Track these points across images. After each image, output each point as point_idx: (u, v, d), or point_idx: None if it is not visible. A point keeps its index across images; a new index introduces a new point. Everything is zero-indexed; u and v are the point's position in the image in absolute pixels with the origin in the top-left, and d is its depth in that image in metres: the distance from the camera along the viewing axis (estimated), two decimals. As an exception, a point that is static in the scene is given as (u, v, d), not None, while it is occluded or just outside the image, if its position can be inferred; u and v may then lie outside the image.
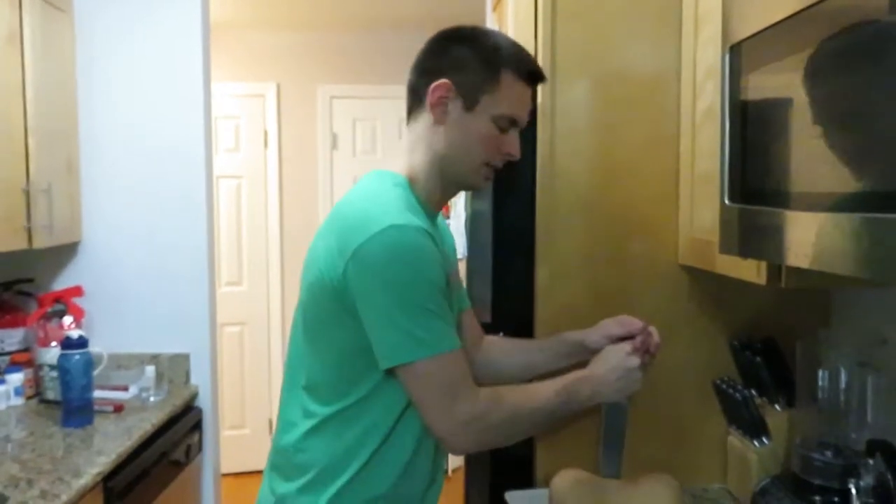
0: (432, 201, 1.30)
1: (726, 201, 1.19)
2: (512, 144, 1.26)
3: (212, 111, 2.76)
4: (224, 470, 2.92)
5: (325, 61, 4.31)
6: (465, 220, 1.73)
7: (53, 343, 2.34)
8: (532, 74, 1.27)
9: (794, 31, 0.98)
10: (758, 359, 1.50)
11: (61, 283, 2.59)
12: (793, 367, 1.49)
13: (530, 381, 1.38)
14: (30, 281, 2.56)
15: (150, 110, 2.60)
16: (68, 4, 2.49)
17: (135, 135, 2.60)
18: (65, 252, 2.59)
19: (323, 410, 1.24)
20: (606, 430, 1.47)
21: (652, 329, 1.35)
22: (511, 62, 1.23)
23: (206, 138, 2.66)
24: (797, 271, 1.16)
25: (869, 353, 1.38)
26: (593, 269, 1.63)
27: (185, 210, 2.63)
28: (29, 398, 2.40)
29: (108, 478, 1.90)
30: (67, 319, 2.41)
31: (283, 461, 1.29)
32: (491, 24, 2.76)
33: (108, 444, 2.01)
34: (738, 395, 1.48)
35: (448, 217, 2.50)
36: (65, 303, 2.47)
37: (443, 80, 1.23)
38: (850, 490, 1.21)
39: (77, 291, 2.53)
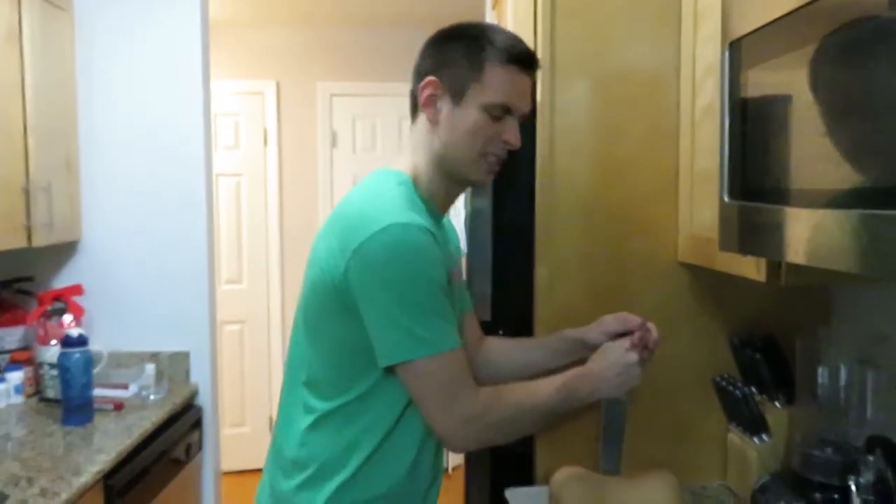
0: (437, 201, 1.30)
1: (726, 198, 1.19)
2: (509, 132, 1.24)
3: (211, 109, 2.76)
4: (224, 468, 2.92)
5: (324, 59, 4.31)
6: (465, 218, 1.72)
7: (53, 341, 2.34)
8: (519, 57, 1.23)
9: (793, 27, 0.98)
10: (758, 356, 1.50)
11: (61, 282, 2.59)
12: (793, 364, 1.49)
13: (530, 379, 1.38)
14: (29, 279, 2.56)
15: (149, 108, 2.60)
16: (68, 3, 2.49)
17: (134, 133, 2.60)
18: (64, 250, 2.59)
19: (323, 406, 1.24)
20: (606, 427, 1.47)
21: (650, 325, 1.35)
22: (495, 48, 1.22)
23: (206, 136, 2.66)
24: (797, 268, 1.16)
25: (869, 351, 1.38)
26: (593, 267, 1.63)
27: (185, 208, 2.63)
28: (29, 396, 2.40)
29: (109, 476, 1.91)
30: (67, 318, 2.41)
31: (282, 457, 1.29)
32: (490, 21, 2.76)
33: (108, 443, 2.01)
34: (738, 392, 1.48)
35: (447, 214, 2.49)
36: (65, 301, 2.48)
37: (430, 78, 1.24)
38: (849, 487, 1.21)
39: (77, 290, 2.53)
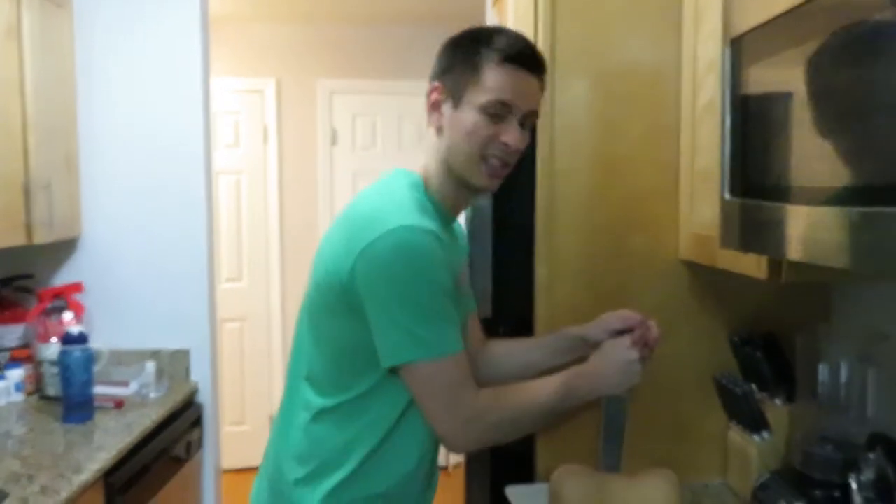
0: (447, 204, 1.29)
1: (727, 196, 1.19)
2: (507, 133, 1.21)
3: (211, 106, 2.75)
4: (224, 466, 2.92)
5: (324, 56, 4.30)
6: (466, 216, 1.72)
7: (54, 339, 2.34)
8: (517, 57, 1.20)
9: (795, 24, 0.98)
10: (758, 354, 1.50)
11: (61, 279, 2.59)
12: (793, 362, 1.49)
13: (532, 378, 1.38)
14: (30, 277, 2.55)
15: (149, 106, 2.60)
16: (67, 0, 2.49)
17: (134, 130, 2.60)
18: (64, 248, 2.59)
19: (323, 402, 1.24)
20: (606, 425, 1.47)
21: (651, 322, 1.35)
22: (492, 49, 1.20)
23: (206, 134, 2.65)
24: (798, 265, 1.16)
25: (869, 349, 1.38)
26: (593, 265, 1.63)
27: (185, 206, 2.62)
28: (29, 394, 2.40)
29: (109, 474, 1.90)
30: (67, 315, 2.41)
31: (281, 452, 1.30)
32: (491, 19, 2.76)
33: (108, 440, 2.01)
34: (738, 390, 1.48)
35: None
36: (65, 299, 2.47)
37: (434, 84, 1.26)
38: (850, 484, 1.21)
39: (77, 287, 2.53)
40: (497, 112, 1.20)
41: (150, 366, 2.47)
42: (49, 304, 2.43)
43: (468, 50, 1.23)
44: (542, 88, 1.26)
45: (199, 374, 2.66)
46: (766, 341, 1.53)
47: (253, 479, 1.39)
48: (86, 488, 1.76)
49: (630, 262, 1.63)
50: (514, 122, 1.22)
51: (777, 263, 1.20)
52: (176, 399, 2.44)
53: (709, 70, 1.43)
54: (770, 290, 1.55)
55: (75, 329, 2.19)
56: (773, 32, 1.04)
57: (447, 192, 1.28)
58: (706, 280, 1.63)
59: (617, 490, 1.46)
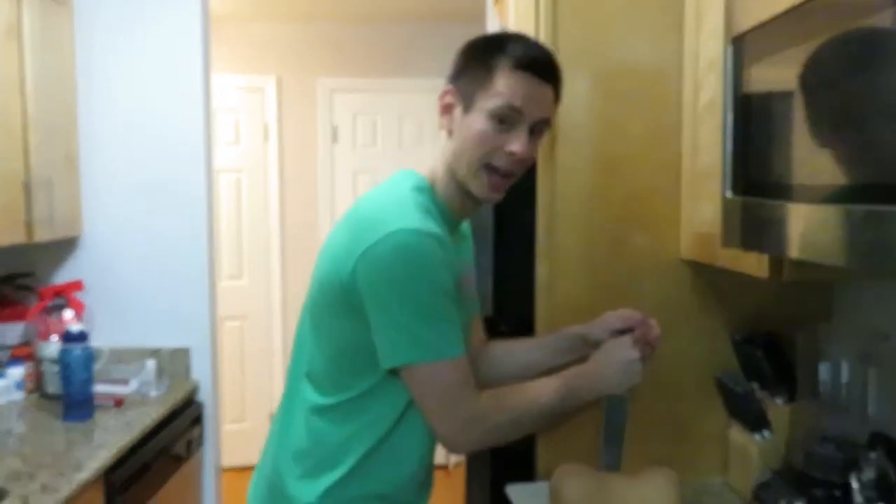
0: (453, 208, 1.29)
1: (728, 194, 1.19)
2: (515, 141, 1.19)
3: (212, 104, 2.75)
4: (225, 464, 2.92)
5: (325, 54, 4.30)
6: (467, 215, 1.72)
7: (54, 337, 2.34)
8: (531, 64, 1.19)
9: (797, 22, 0.98)
10: (759, 353, 1.50)
11: (61, 277, 2.59)
12: (794, 361, 1.49)
13: (534, 378, 1.38)
14: (30, 275, 2.56)
15: (149, 104, 2.60)
16: (67, -3, 2.49)
17: (135, 128, 2.60)
18: (65, 246, 2.59)
19: (322, 401, 1.24)
20: (607, 424, 1.46)
21: (652, 321, 1.35)
22: (506, 54, 1.19)
23: (206, 132, 2.65)
24: (799, 264, 1.15)
25: (870, 348, 1.38)
26: (594, 264, 1.63)
27: (186, 204, 2.62)
28: (30, 392, 2.40)
29: (109, 472, 1.91)
30: (68, 313, 2.41)
31: (280, 448, 1.30)
32: (492, 18, 2.75)
33: (108, 439, 2.01)
34: (739, 389, 1.48)
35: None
36: (65, 297, 2.47)
37: (447, 87, 1.25)
38: (851, 484, 1.21)
39: (77, 285, 2.53)
40: (506, 118, 1.19)
41: (151, 364, 2.47)
42: (49, 303, 2.43)
43: (483, 55, 1.22)
44: (556, 98, 1.25)
45: (199, 372, 2.66)
46: (767, 340, 1.52)
47: (253, 477, 1.39)
48: (86, 486, 1.76)
49: (631, 261, 1.63)
50: (523, 129, 1.20)
51: (778, 262, 1.20)
52: (176, 397, 2.44)
53: (710, 69, 1.43)
54: (771, 290, 1.55)
55: (76, 327, 2.19)
56: (775, 31, 1.04)
57: (452, 197, 1.27)
58: (707, 279, 1.62)
59: (617, 489, 1.46)
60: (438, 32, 4.10)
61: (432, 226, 1.16)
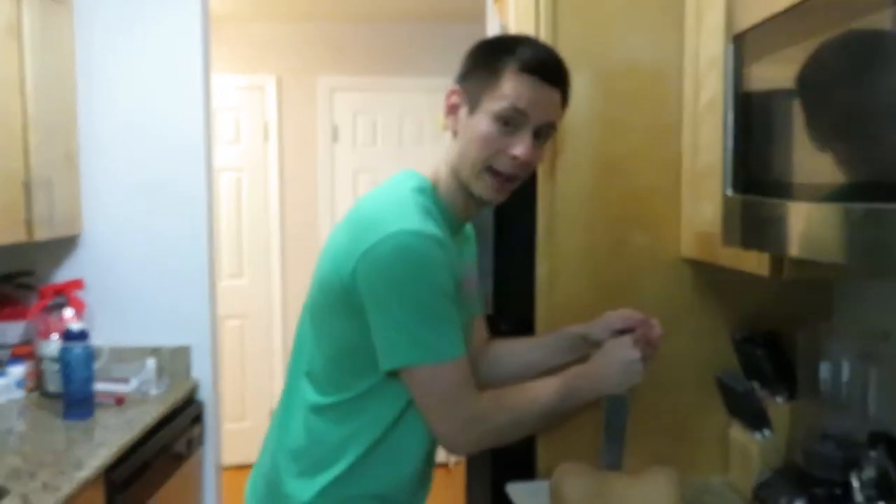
0: (456, 208, 1.28)
1: (729, 193, 1.19)
2: (518, 144, 1.18)
3: (211, 103, 2.75)
4: (225, 463, 2.92)
5: (325, 53, 4.30)
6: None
7: (54, 336, 2.34)
8: (538, 68, 1.18)
9: (798, 20, 0.98)
10: (760, 352, 1.50)
11: (61, 276, 2.59)
12: (795, 360, 1.49)
13: (535, 378, 1.38)
14: (30, 273, 2.55)
15: (150, 103, 2.59)
16: (67, -4, 2.49)
17: (135, 127, 2.60)
18: (65, 245, 2.59)
19: (322, 400, 1.24)
20: (608, 423, 1.46)
21: (653, 321, 1.35)
22: (514, 57, 1.19)
23: (206, 131, 2.65)
24: (799, 263, 1.15)
25: (871, 347, 1.37)
26: (595, 263, 1.63)
27: (186, 203, 2.62)
28: (30, 391, 2.40)
29: (110, 470, 1.91)
30: (68, 312, 2.41)
31: (278, 446, 1.30)
32: (492, 16, 2.75)
33: (109, 437, 2.01)
34: (740, 388, 1.48)
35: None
36: (65, 295, 2.47)
37: (454, 87, 1.25)
38: (851, 482, 1.21)
39: (78, 284, 2.53)
40: (511, 120, 1.18)
41: (151, 363, 2.47)
42: (50, 301, 2.43)
43: (490, 56, 1.22)
44: (563, 103, 1.24)
45: (199, 370, 2.66)
46: (768, 339, 1.52)
47: (253, 475, 1.39)
48: (86, 485, 1.76)
49: (631, 260, 1.63)
50: (527, 132, 1.19)
51: (779, 260, 1.20)
52: (176, 396, 2.44)
53: (710, 67, 1.43)
54: (772, 288, 1.55)
55: (76, 326, 2.19)
56: (775, 29, 1.04)
57: (454, 198, 1.27)
58: (708, 278, 1.62)
59: (618, 488, 1.46)
60: (439, 32, 4.10)
61: (432, 227, 1.16)
